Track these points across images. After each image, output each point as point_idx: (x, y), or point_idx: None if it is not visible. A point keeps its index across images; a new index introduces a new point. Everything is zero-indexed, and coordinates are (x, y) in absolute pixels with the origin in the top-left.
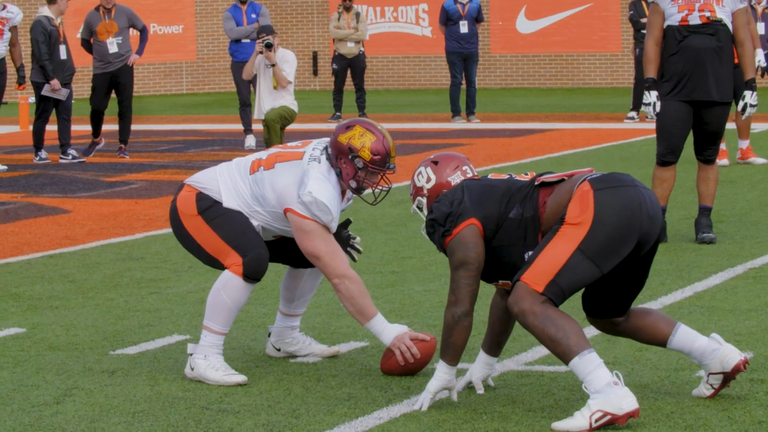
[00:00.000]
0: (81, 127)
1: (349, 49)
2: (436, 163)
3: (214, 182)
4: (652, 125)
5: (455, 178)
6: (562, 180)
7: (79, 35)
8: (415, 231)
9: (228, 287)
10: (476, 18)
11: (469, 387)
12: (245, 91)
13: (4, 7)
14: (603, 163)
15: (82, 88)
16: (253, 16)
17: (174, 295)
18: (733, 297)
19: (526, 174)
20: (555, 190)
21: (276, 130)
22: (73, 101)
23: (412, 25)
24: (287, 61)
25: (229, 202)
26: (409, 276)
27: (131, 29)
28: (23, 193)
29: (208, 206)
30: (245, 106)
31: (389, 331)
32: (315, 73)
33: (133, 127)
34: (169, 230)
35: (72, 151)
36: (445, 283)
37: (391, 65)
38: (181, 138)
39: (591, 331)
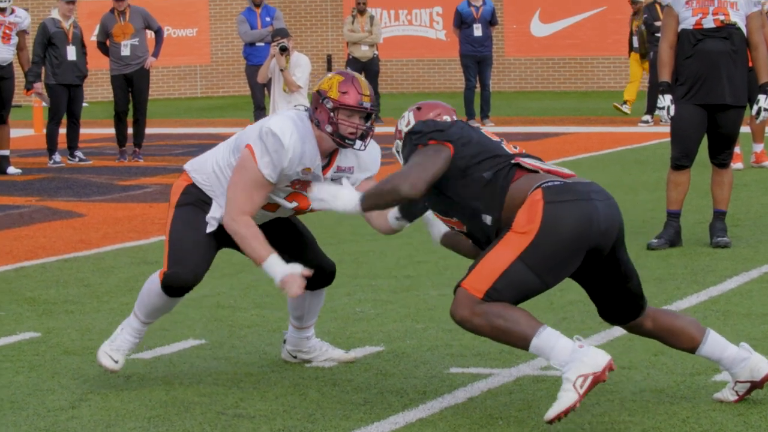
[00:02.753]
0: (92, 130)
1: (363, 52)
2: (419, 109)
3: (207, 163)
4: (667, 129)
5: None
6: (536, 171)
7: (93, 38)
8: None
9: (151, 285)
10: (490, 21)
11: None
12: (260, 95)
13: (12, 11)
14: (618, 166)
15: (96, 91)
16: (268, 19)
17: (189, 299)
18: (749, 301)
19: (516, 148)
20: (522, 177)
21: None
22: (85, 104)
23: (426, 28)
24: (299, 65)
25: (209, 175)
26: (424, 280)
27: (147, 30)
28: (37, 197)
29: (186, 203)
30: (259, 110)
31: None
32: None
33: (148, 130)
34: None
35: (79, 153)
36: None
37: (405, 68)
38: (195, 141)
39: (605, 336)
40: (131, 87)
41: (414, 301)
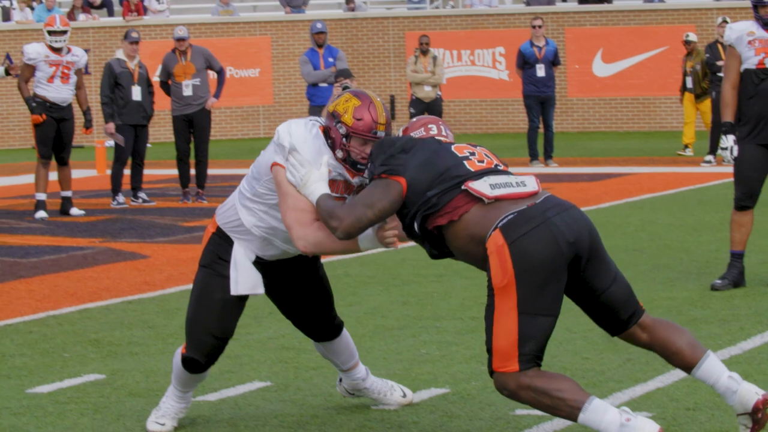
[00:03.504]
0: (155, 171)
1: (426, 92)
2: (406, 129)
3: (233, 198)
4: (730, 169)
5: (417, 134)
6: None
7: (156, 77)
8: None
9: (176, 360)
10: (553, 61)
11: None
12: None
13: (69, 51)
14: (681, 206)
15: (159, 132)
16: (330, 59)
17: (254, 341)
18: None
19: (482, 162)
20: (486, 208)
21: None
22: (149, 144)
23: (488, 68)
24: None
25: (231, 208)
26: None
27: (209, 71)
28: (101, 238)
29: (205, 264)
30: None
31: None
32: (392, 116)
33: (210, 171)
34: None
35: (142, 195)
36: None
37: (468, 109)
38: None
39: (670, 377)
40: (192, 127)
41: (479, 342)
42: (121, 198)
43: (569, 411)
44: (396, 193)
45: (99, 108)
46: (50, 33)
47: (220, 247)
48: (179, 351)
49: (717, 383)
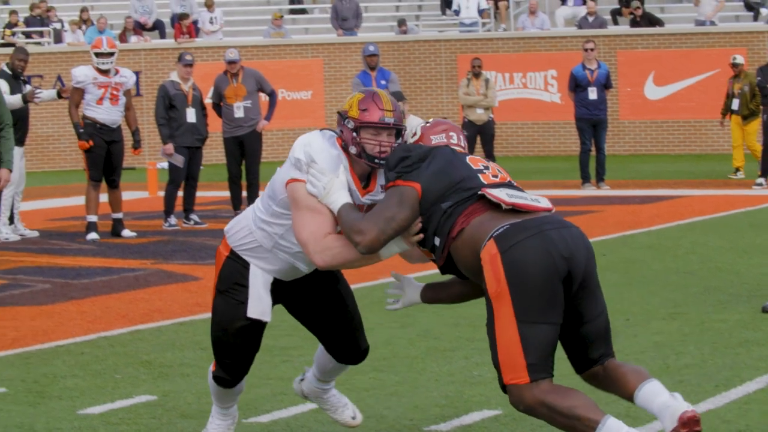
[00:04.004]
0: (207, 193)
1: (479, 115)
2: (428, 123)
3: (247, 217)
4: None
5: (438, 139)
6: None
7: (208, 99)
8: None
9: (209, 375)
10: (605, 84)
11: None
12: None
13: (117, 72)
14: (732, 229)
15: (210, 153)
16: (383, 82)
17: (306, 362)
18: None
19: (496, 177)
20: (484, 220)
21: None
22: (202, 167)
23: (540, 91)
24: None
25: (244, 228)
26: None
27: (260, 93)
28: (153, 260)
29: (223, 290)
30: None
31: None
32: None
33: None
34: None
35: (194, 217)
36: None
37: (521, 131)
38: None
39: (721, 399)
40: (243, 149)
41: None
42: (173, 220)
43: (584, 430)
44: (412, 200)
45: (148, 129)
46: (97, 55)
47: (236, 272)
48: (210, 368)
49: (656, 401)
